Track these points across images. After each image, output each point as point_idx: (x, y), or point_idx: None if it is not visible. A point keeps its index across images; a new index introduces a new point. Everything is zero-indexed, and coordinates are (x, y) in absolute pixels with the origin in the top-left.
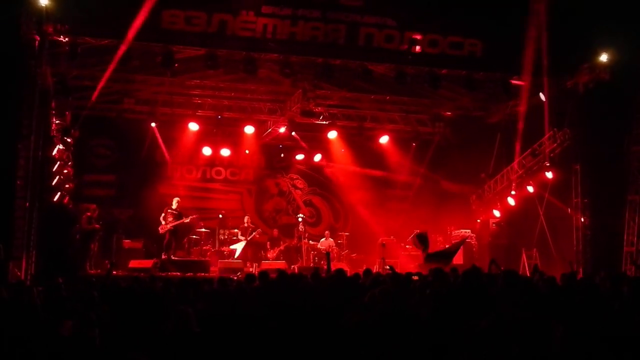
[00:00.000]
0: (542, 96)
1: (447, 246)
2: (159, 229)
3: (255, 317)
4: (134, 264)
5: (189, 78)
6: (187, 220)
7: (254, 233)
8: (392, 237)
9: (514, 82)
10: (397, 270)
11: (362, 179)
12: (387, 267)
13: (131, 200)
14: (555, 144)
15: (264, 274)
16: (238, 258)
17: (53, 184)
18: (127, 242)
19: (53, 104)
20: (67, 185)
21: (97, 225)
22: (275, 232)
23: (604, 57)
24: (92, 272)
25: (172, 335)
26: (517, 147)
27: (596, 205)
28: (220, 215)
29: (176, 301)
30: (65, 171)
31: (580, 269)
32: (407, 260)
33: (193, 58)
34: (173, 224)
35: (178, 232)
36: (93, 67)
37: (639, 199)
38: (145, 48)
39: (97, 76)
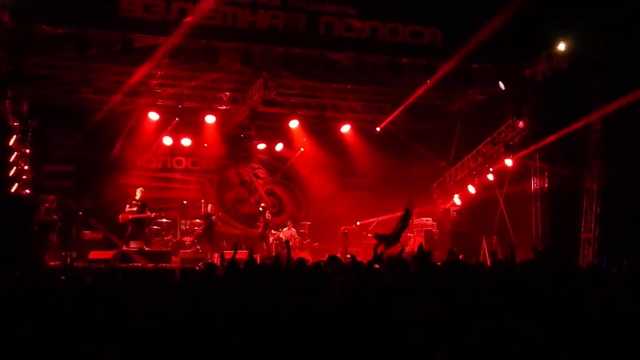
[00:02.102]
0: (501, 84)
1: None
2: (120, 218)
3: (219, 307)
4: (94, 255)
5: (148, 67)
6: (152, 215)
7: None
8: (354, 225)
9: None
10: (359, 258)
11: (324, 168)
12: (349, 256)
13: (91, 190)
14: (514, 132)
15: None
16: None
17: (10, 174)
18: (87, 233)
19: (9, 93)
20: (24, 176)
21: (55, 217)
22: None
23: (561, 46)
24: (52, 263)
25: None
26: (477, 136)
27: (554, 192)
28: (185, 202)
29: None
30: (23, 162)
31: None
32: (370, 249)
33: (152, 46)
34: (135, 216)
35: (140, 223)
36: (50, 55)
37: (597, 187)
38: (103, 36)
39: (53, 65)
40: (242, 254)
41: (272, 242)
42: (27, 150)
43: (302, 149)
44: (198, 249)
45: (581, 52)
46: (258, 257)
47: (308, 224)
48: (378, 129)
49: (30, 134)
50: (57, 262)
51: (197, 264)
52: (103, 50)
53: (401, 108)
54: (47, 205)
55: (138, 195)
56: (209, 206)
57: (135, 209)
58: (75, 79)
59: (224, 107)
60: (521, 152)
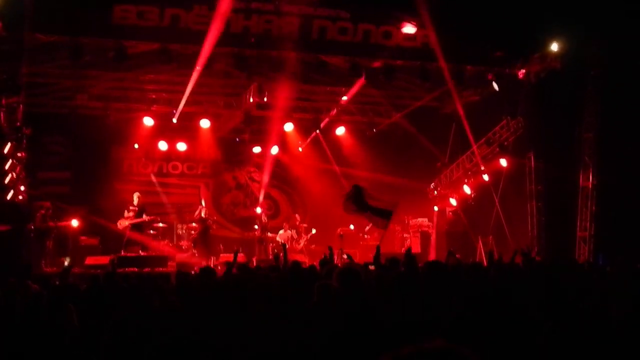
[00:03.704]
0: (495, 86)
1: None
2: (118, 224)
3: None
4: (90, 260)
5: (143, 73)
6: (148, 219)
7: (202, 213)
8: (350, 227)
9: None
10: (356, 260)
11: (319, 170)
12: (345, 257)
13: (87, 196)
14: (509, 133)
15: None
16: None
17: (6, 182)
18: (83, 239)
19: (3, 102)
20: (20, 183)
21: (51, 223)
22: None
23: (554, 47)
24: (48, 270)
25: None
26: (472, 137)
27: (550, 192)
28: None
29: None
30: (18, 169)
31: (535, 255)
32: (366, 251)
33: (146, 53)
34: (133, 221)
35: (138, 228)
36: (43, 63)
37: (591, 185)
38: (97, 44)
39: (48, 73)
40: (240, 257)
41: (269, 245)
42: (23, 158)
43: (300, 149)
44: (194, 253)
45: (573, 52)
46: (254, 260)
47: (304, 226)
48: (374, 130)
49: (25, 141)
50: (54, 269)
51: (193, 269)
52: (97, 58)
53: (403, 113)
54: (42, 212)
55: (135, 200)
56: (203, 211)
57: (132, 215)
58: (69, 87)
59: (219, 112)
60: (516, 153)
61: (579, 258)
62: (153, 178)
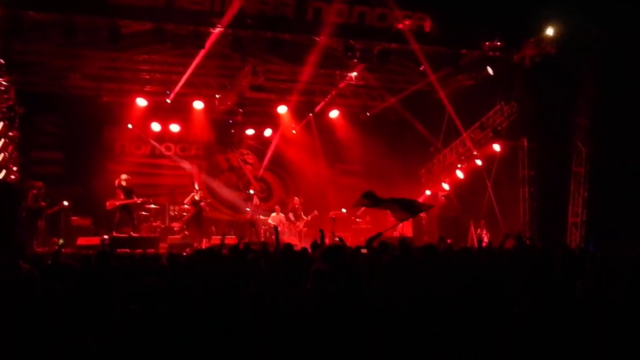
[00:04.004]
0: (490, 70)
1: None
2: (107, 205)
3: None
4: (82, 241)
5: (137, 53)
6: (139, 201)
7: (195, 196)
8: (342, 210)
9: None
10: (348, 243)
11: (312, 153)
12: (337, 239)
13: (79, 177)
14: (503, 118)
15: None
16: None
17: None
18: (75, 219)
19: None
20: (12, 163)
21: (43, 203)
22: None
23: (550, 31)
24: (40, 250)
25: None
26: (466, 121)
27: (542, 177)
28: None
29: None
30: (10, 148)
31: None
32: (358, 234)
33: (140, 33)
34: (122, 202)
35: (129, 209)
36: (37, 42)
37: (584, 171)
38: (91, 22)
39: (41, 52)
40: (232, 239)
41: (261, 227)
42: (15, 137)
43: (293, 132)
44: (186, 234)
45: (569, 37)
46: (243, 242)
47: (288, 209)
48: (367, 113)
49: (17, 120)
50: (46, 249)
51: (184, 250)
52: (90, 37)
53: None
54: (34, 191)
55: (124, 181)
56: (197, 195)
57: (122, 195)
58: (62, 66)
59: (213, 94)
60: (509, 137)
61: (571, 244)
62: (145, 159)
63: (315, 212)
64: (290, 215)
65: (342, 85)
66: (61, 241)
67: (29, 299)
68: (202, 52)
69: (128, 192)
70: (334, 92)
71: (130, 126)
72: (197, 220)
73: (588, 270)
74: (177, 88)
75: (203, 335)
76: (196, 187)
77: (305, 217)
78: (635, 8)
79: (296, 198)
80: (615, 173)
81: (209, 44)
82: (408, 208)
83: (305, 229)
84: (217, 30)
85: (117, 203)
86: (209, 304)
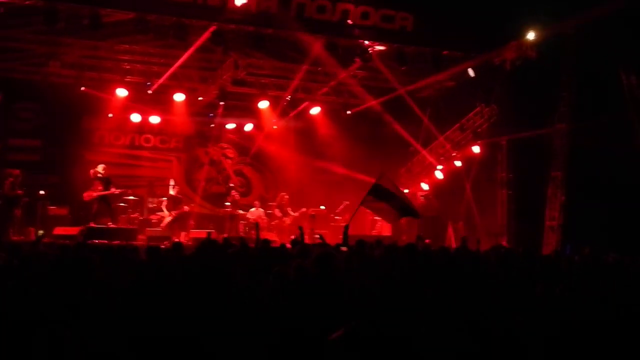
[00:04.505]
0: (470, 72)
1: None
2: (84, 196)
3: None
4: (59, 230)
5: (118, 42)
6: (117, 192)
7: (186, 207)
8: (321, 207)
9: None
10: (327, 240)
11: (292, 150)
12: (317, 236)
13: (57, 166)
14: (483, 120)
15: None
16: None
17: None
18: (52, 209)
19: None
20: None
21: (20, 191)
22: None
23: (531, 35)
24: (16, 238)
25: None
26: (444, 122)
27: (520, 180)
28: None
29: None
30: None
31: (504, 242)
32: (337, 232)
33: (122, 22)
34: (100, 193)
35: (108, 199)
36: (17, 28)
37: (561, 175)
38: (72, 10)
39: (21, 38)
40: (202, 233)
41: (240, 222)
42: None
43: (274, 127)
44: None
45: (550, 41)
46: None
47: (275, 205)
48: (348, 112)
49: None
50: (22, 237)
51: (163, 242)
52: (71, 25)
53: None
54: (11, 179)
55: (101, 170)
56: (175, 187)
57: (100, 186)
58: (42, 53)
59: (194, 86)
60: (489, 140)
61: (547, 247)
62: (124, 150)
63: (304, 209)
64: (277, 210)
65: (333, 83)
66: (41, 232)
67: (6, 288)
68: (194, 46)
69: (106, 182)
70: (325, 89)
71: (110, 115)
72: (179, 221)
73: (564, 274)
74: (161, 80)
75: (182, 328)
76: (171, 182)
77: (292, 214)
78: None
79: (283, 193)
80: (592, 177)
81: (193, 38)
82: (400, 209)
83: (291, 225)
84: (200, 23)
85: (94, 194)
86: (192, 298)
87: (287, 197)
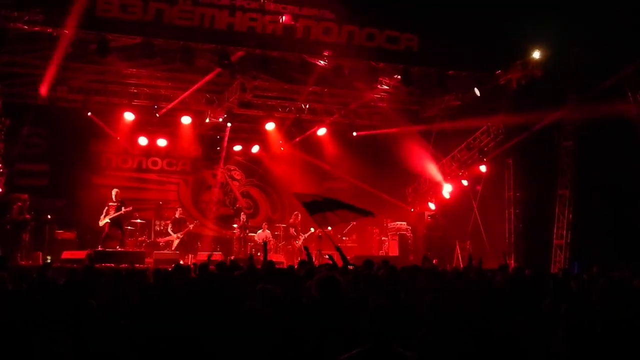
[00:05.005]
0: (476, 91)
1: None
2: (99, 222)
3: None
4: (67, 254)
5: (125, 67)
6: (124, 211)
7: (190, 226)
8: (328, 228)
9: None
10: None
11: (299, 170)
12: (327, 257)
13: (64, 190)
14: (489, 139)
15: (203, 266)
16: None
17: None
18: (59, 233)
19: None
20: None
21: (28, 216)
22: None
23: (536, 54)
24: (24, 263)
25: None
26: (451, 142)
27: (528, 198)
28: (161, 203)
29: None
30: None
31: (512, 261)
32: (345, 252)
33: (129, 46)
34: (112, 216)
35: (117, 223)
36: (25, 53)
37: (569, 194)
38: (79, 36)
39: (29, 63)
40: (218, 256)
41: (248, 244)
42: (1, 149)
43: (282, 149)
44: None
45: (556, 60)
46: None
47: (283, 226)
48: (355, 133)
49: (3, 132)
50: (29, 262)
51: (170, 266)
52: (79, 50)
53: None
54: (19, 204)
55: (114, 196)
56: (178, 210)
57: (112, 211)
58: (50, 78)
59: (201, 109)
60: (495, 159)
61: (555, 265)
62: (132, 173)
63: (312, 230)
64: (292, 230)
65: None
66: (49, 258)
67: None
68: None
69: (118, 207)
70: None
71: (118, 138)
72: (185, 244)
73: (573, 292)
74: (171, 105)
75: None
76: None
77: (303, 235)
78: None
79: (297, 212)
80: (599, 196)
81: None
82: (352, 209)
83: (290, 246)
84: (206, 47)
85: (107, 219)
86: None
87: (299, 217)
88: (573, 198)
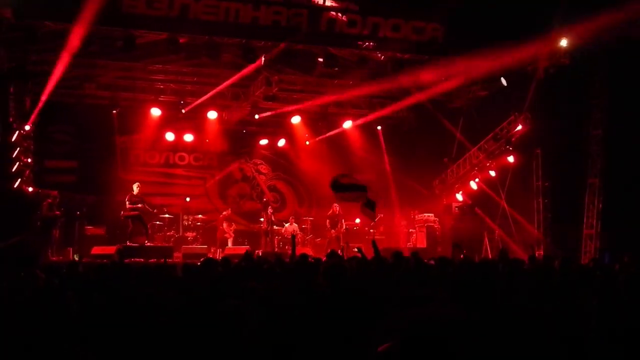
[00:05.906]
0: (503, 80)
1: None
2: (121, 215)
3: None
4: (96, 250)
5: (151, 63)
6: (151, 211)
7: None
8: (356, 221)
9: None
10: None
11: (325, 163)
12: (356, 249)
13: (93, 186)
14: (516, 129)
15: (226, 259)
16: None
17: (13, 170)
18: (89, 229)
19: (11, 90)
20: (27, 172)
21: (58, 212)
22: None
23: (564, 42)
24: (54, 259)
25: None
26: (480, 132)
27: (557, 188)
28: (188, 199)
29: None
30: (25, 157)
31: (542, 251)
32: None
33: (155, 43)
34: (134, 213)
35: (143, 218)
36: (53, 52)
37: (599, 183)
38: (105, 32)
39: (56, 61)
40: (242, 249)
41: (275, 237)
42: (30, 146)
43: (307, 142)
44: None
45: (583, 48)
46: (259, 252)
47: (310, 219)
48: (379, 127)
49: (32, 130)
50: (60, 258)
51: (199, 260)
52: (105, 47)
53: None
54: (49, 200)
55: (135, 190)
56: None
57: (134, 205)
58: (77, 76)
59: (227, 104)
60: (523, 148)
61: (585, 255)
62: (159, 169)
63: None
64: (328, 221)
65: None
66: (77, 256)
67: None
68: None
69: (140, 201)
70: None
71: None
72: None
73: (602, 283)
74: (198, 101)
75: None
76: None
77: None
78: None
79: (336, 205)
80: (630, 184)
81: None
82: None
83: (319, 239)
84: (231, 41)
85: (129, 213)
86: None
87: (338, 207)
88: (603, 187)
